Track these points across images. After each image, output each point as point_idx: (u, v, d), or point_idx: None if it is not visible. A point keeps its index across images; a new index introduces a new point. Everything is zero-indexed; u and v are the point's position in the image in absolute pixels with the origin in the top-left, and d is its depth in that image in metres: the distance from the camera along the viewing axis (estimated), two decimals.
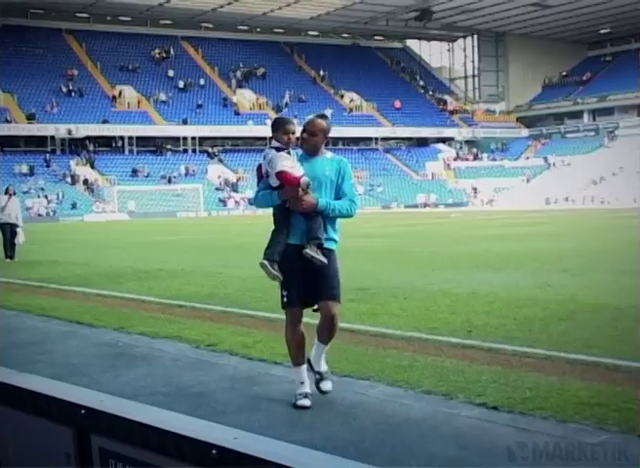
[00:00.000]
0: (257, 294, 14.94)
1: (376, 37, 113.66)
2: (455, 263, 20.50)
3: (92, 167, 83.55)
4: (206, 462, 2.23)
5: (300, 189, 7.08)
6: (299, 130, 7.56)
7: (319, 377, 7.43)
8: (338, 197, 7.42)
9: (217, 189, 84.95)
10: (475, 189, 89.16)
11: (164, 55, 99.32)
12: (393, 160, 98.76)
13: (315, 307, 7.44)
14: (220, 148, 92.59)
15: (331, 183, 7.39)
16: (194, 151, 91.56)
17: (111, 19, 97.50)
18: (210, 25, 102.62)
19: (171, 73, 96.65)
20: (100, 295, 15.81)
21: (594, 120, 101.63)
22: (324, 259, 7.09)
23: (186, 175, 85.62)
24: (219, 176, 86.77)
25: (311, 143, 7.47)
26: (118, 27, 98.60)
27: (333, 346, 9.94)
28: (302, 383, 7.29)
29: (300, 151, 7.54)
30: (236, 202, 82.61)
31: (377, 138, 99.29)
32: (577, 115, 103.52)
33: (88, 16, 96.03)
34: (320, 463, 2.06)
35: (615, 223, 40.27)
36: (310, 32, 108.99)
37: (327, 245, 7.32)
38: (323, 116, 7.72)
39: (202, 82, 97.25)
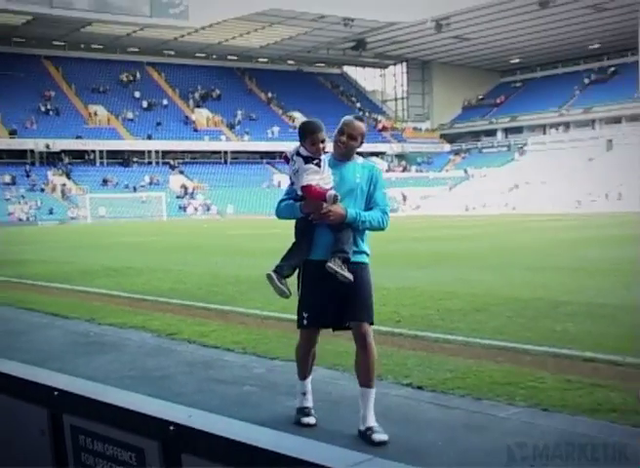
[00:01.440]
0: (212, 289, 14.94)
1: (317, 64, 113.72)
2: (386, 261, 20.54)
3: (67, 177, 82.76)
4: (164, 437, 2.24)
5: (325, 204, 5.65)
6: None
7: (370, 432, 5.54)
8: (368, 207, 5.92)
9: (177, 197, 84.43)
10: (404, 197, 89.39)
11: (131, 78, 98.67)
12: None
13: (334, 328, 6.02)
14: (181, 160, 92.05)
15: (361, 192, 5.89)
16: (157, 163, 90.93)
17: (85, 47, 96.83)
18: (172, 52, 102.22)
19: (137, 94, 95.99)
20: (74, 291, 15.68)
21: (506, 137, 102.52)
22: (349, 276, 5.60)
23: (151, 184, 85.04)
24: (180, 186, 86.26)
25: (349, 148, 5.92)
26: (91, 54, 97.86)
27: (280, 335, 9.96)
28: (304, 394, 6.05)
29: (329, 155, 5.99)
30: (195, 208, 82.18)
31: None
32: (491, 133, 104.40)
33: (64, 43, 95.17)
34: (263, 437, 2.07)
35: (525, 226, 40.68)
36: (260, 59, 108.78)
37: (357, 258, 5.82)
38: (361, 118, 6.12)
39: (165, 102, 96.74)
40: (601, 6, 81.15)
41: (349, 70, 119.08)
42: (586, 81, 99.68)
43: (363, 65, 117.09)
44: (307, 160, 5.72)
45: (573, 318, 10.46)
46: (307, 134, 5.75)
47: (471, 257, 21.18)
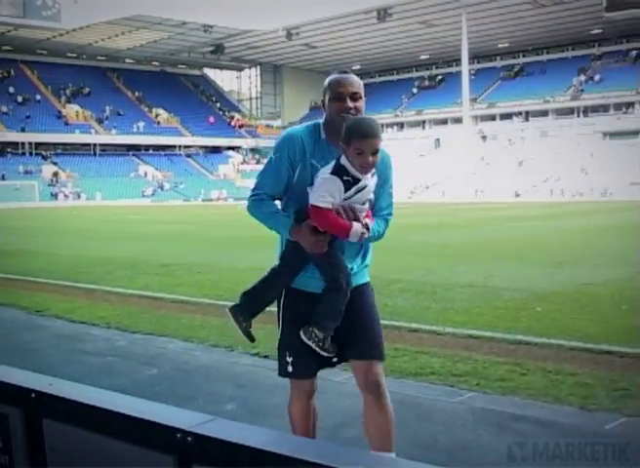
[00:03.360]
0: (81, 270, 14.66)
1: (180, 66, 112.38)
2: (239, 244, 20.57)
3: None
4: (26, 404, 2.21)
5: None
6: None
7: None
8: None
9: (49, 185, 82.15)
10: None
11: (6, 75, 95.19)
12: (193, 163, 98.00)
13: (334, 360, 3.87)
14: (53, 152, 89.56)
15: None
16: (31, 154, 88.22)
17: None
18: (45, 52, 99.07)
19: (11, 90, 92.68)
20: None
21: None
22: (331, 352, 3.72)
23: (25, 173, 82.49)
24: (52, 174, 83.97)
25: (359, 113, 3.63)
26: None
27: (141, 311, 9.85)
28: None
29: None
30: (65, 195, 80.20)
31: (180, 146, 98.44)
32: None
33: None
34: (118, 402, 2.07)
35: None
36: (127, 60, 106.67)
37: (356, 280, 3.81)
38: (345, 71, 3.72)
39: (38, 98, 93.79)
40: (430, 22, 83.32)
41: (209, 72, 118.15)
42: (415, 91, 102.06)
43: (221, 68, 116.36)
44: (339, 171, 3.49)
45: (402, 294, 10.74)
46: (354, 137, 3.45)
47: None
